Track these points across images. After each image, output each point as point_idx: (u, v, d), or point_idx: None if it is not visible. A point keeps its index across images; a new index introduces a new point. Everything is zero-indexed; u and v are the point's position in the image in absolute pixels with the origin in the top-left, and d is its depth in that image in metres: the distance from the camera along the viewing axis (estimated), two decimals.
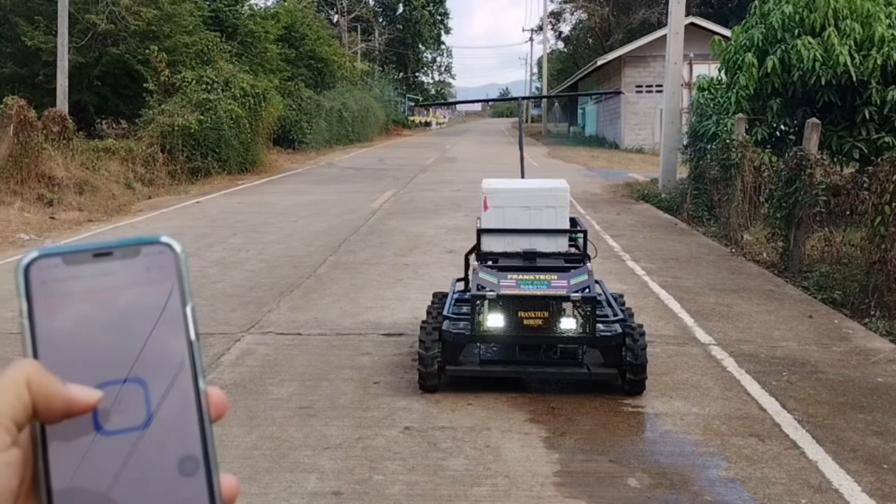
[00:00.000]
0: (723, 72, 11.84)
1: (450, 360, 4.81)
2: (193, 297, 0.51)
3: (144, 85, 18.64)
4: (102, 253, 0.50)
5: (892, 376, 5.29)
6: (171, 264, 0.51)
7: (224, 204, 14.12)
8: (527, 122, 45.06)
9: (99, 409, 0.48)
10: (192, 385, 0.49)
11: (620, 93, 26.66)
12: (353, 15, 54.27)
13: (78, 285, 0.49)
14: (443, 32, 73.29)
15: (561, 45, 61.01)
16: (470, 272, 5.38)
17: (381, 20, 64.12)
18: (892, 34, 9.81)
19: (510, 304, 4.68)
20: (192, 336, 0.50)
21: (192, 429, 0.49)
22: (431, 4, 68.39)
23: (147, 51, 18.74)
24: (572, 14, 53.02)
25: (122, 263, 0.50)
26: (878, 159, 7.35)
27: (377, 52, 59.75)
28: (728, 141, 10.30)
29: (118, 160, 15.46)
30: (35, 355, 0.48)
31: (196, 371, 0.50)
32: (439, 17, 71.07)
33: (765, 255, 9.17)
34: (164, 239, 0.51)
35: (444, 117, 75.00)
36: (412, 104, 60.40)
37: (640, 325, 4.83)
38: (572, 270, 4.90)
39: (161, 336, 0.50)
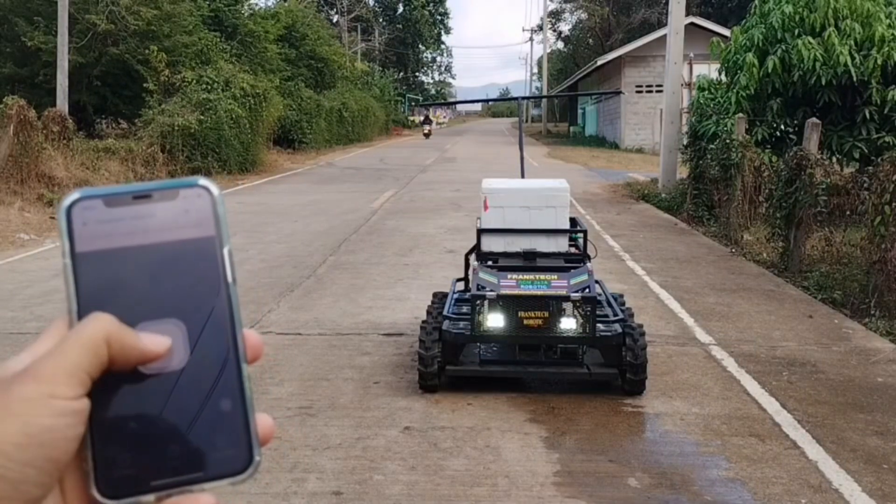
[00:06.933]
0: (723, 73, 11.85)
1: (450, 360, 4.81)
2: (230, 240, 0.52)
3: (144, 85, 18.66)
4: (142, 195, 0.51)
5: (892, 376, 5.29)
6: (209, 206, 0.51)
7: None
8: (527, 122, 45.09)
9: None
10: (230, 326, 0.50)
11: (620, 93, 26.64)
12: (353, 15, 54.29)
13: (118, 226, 0.50)
14: (443, 32, 73.34)
15: (561, 45, 61.07)
16: (470, 272, 5.37)
17: (381, 20, 64.13)
18: (893, 34, 9.81)
19: (510, 303, 4.67)
20: (230, 278, 0.51)
21: (229, 368, 0.50)
22: (431, 4, 68.41)
23: (147, 51, 18.76)
24: (572, 14, 53.10)
25: (161, 205, 0.51)
26: (879, 159, 7.35)
27: (377, 52, 59.74)
28: (728, 141, 10.29)
29: (118, 160, 15.48)
30: (77, 294, 0.49)
31: (233, 313, 0.51)
32: (439, 17, 71.10)
33: (765, 255, 9.17)
34: (202, 182, 0.52)
35: (444, 117, 74.95)
36: (413, 104, 60.39)
37: (640, 325, 4.82)
38: (572, 270, 4.90)
39: (199, 277, 0.51)
